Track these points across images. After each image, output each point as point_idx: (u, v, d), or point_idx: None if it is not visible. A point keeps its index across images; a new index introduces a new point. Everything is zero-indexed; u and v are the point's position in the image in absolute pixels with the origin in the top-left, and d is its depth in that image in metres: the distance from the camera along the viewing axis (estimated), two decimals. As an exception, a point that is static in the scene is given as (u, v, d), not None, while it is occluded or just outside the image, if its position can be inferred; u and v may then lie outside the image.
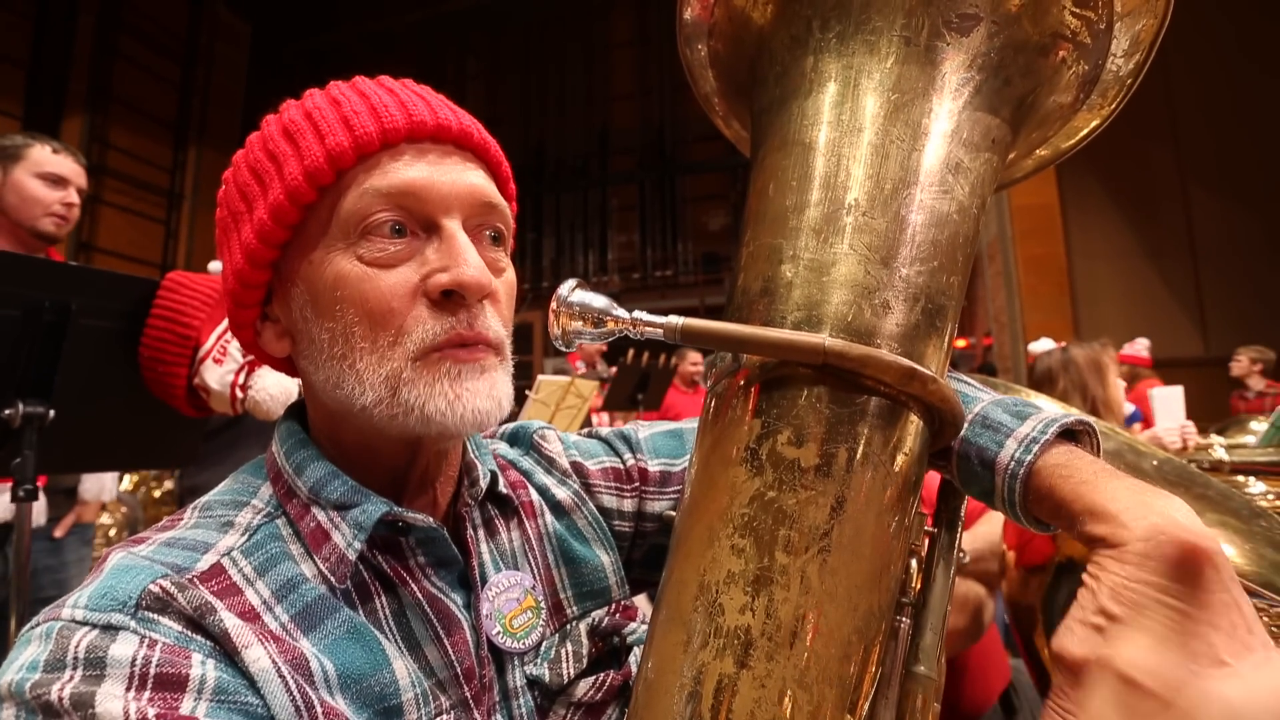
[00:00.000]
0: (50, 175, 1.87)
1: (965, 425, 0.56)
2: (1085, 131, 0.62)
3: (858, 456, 0.46)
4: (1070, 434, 0.54)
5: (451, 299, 0.55)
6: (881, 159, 0.50)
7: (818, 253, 0.49)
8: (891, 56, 0.51)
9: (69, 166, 1.91)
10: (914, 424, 0.48)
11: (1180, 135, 6.97)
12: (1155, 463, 1.39)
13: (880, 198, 0.50)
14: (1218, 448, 1.76)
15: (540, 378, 3.33)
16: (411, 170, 0.56)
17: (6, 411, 1.33)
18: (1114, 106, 0.59)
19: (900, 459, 0.48)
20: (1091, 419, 0.56)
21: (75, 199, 1.92)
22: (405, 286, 0.54)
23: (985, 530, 1.78)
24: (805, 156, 0.53)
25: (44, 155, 1.87)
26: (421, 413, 0.53)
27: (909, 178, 0.50)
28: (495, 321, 0.58)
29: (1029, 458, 0.51)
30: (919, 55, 0.51)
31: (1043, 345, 3.47)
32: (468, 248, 0.55)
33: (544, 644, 0.63)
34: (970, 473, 0.55)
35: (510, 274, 0.62)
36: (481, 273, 0.55)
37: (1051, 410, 0.55)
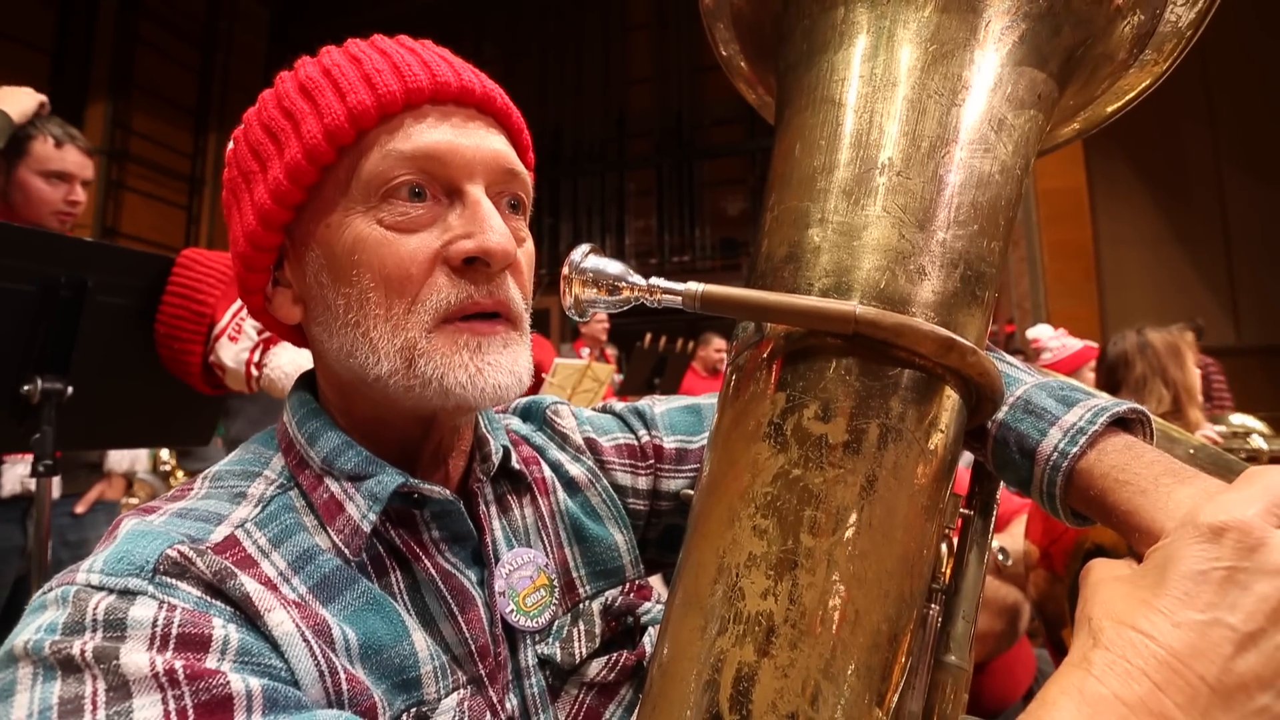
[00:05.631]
0: (54, 172, 1.82)
1: (1005, 408, 0.52)
2: (1134, 94, 0.58)
3: (890, 433, 0.43)
4: (1122, 422, 0.50)
5: (473, 267, 0.54)
6: (918, 115, 0.47)
7: (848, 215, 0.46)
8: (930, 4, 0.47)
9: (73, 160, 1.86)
10: (951, 399, 0.45)
11: (1216, 116, 6.74)
12: (1191, 450, 1.34)
13: (916, 157, 0.46)
14: (1257, 435, 1.70)
15: (557, 361, 3.31)
16: (435, 133, 0.54)
17: (25, 387, 1.33)
18: (1169, 64, 0.55)
19: (936, 436, 0.44)
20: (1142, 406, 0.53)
21: (80, 195, 1.87)
22: (425, 252, 0.53)
23: (1022, 531, 1.74)
24: (835, 114, 0.49)
25: (47, 151, 1.82)
26: (440, 385, 0.52)
27: (947, 135, 0.46)
28: (516, 292, 0.57)
29: (1074, 449, 0.48)
30: (960, 2, 0.47)
31: (1042, 331, 3.39)
32: (492, 214, 0.54)
33: (556, 623, 0.61)
34: (1007, 459, 0.52)
35: (530, 244, 0.61)
36: (507, 240, 0.53)
37: (1101, 396, 0.52)
